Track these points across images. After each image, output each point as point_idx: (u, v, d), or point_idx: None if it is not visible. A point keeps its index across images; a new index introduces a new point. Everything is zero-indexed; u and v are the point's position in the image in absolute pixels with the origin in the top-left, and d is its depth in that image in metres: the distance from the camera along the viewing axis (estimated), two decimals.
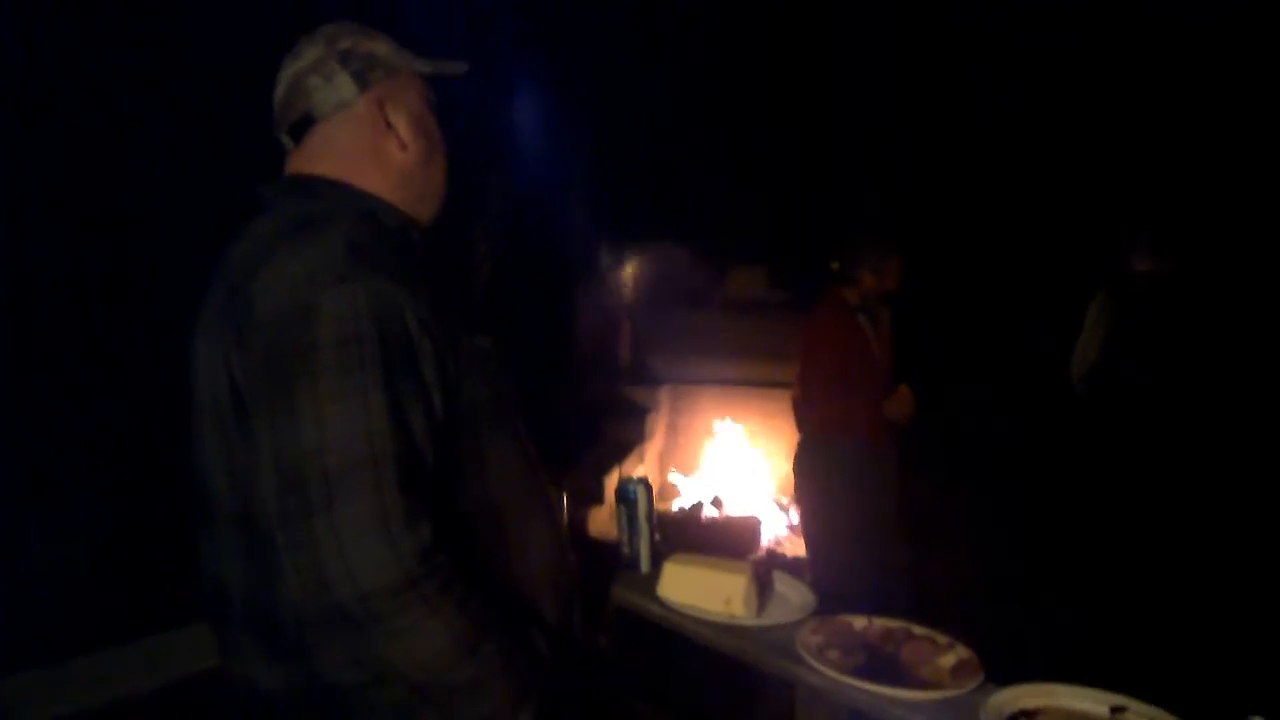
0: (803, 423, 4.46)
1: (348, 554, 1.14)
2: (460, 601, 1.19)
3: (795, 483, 4.51)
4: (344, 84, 1.43)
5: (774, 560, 5.08)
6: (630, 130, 6.19)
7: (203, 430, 1.34)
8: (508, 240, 5.82)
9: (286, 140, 1.47)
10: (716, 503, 5.46)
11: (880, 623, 1.92)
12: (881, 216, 5.15)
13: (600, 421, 5.30)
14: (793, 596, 2.08)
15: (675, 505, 5.65)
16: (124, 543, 2.97)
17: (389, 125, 1.45)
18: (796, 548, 5.19)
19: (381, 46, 1.48)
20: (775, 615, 2.00)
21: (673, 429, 6.13)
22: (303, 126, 1.44)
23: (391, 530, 1.15)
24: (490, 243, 5.80)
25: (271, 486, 1.19)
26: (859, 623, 1.92)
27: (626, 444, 5.42)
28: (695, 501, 5.52)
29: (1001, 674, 1.76)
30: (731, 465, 5.81)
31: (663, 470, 6.01)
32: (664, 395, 6.02)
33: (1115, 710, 1.64)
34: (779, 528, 5.39)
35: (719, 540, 5.23)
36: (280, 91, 1.46)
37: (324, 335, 1.18)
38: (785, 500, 5.58)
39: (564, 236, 5.98)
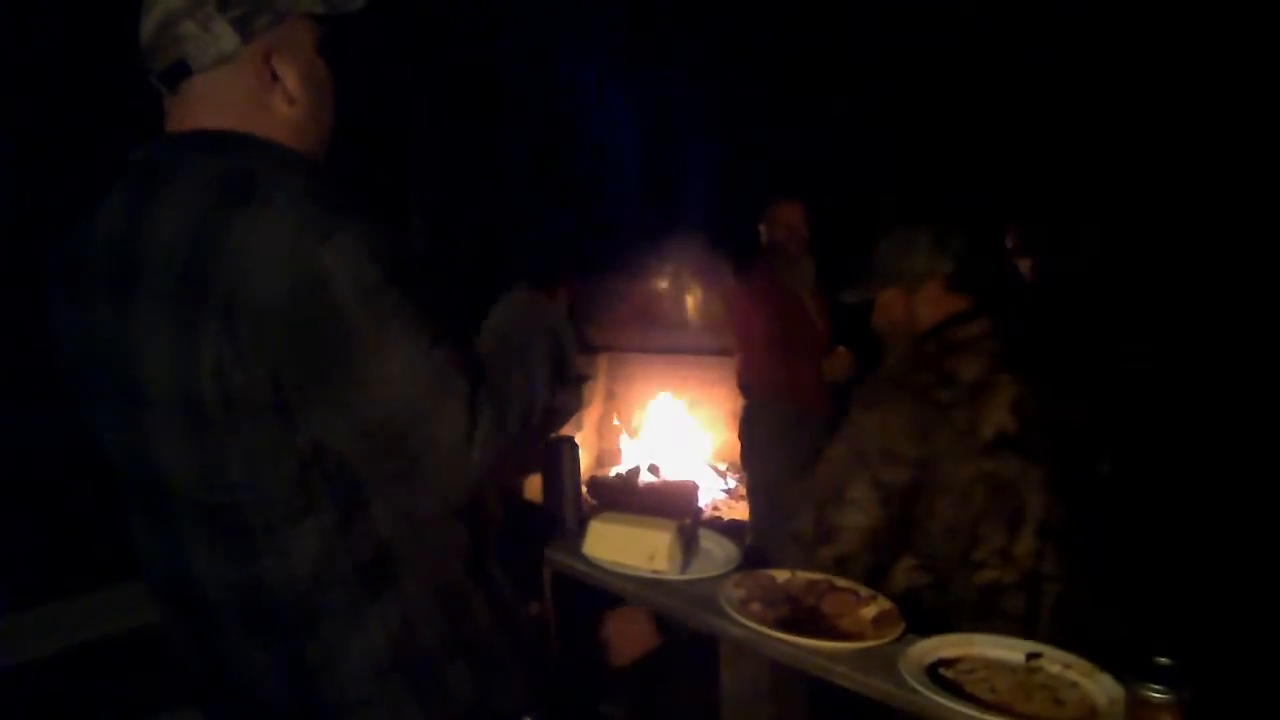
0: (746, 389, 4.47)
1: (463, 474, 1.24)
2: None
3: (741, 448, 4.53)
4: (223, 34, 1.28)
5: (711, 523, 5.10)
6: (568, 95, 6.13)
7: (155, 427, 1.26)
8: (443, 209, 5.76)
9: (159, 85, 1.34)
10: (653, 468, 5.47)
11: (803, 575, 1.92)
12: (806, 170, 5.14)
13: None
14: (717, 552, 2.07)
15: (613, 471, 5.65)
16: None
17: (275, 78, 1.32)
18: (734, 511, 5.23)
19: None
20: (700, 570, 1.99)
21: (611, 396, 6.12)
22: (176, 75, 1.31)
23: (476, 448, 1.23)
24: (425, 213, 5.74)
25: (323, 465, 1.23)
26: (782, 576, 1.92)
27: (567, 412, 5.38)
28: (632, 466, 5.51)
29: (923, 627, 1.77)
30: (669, 432, 5.82)
31: (601, 437, 6.00)
32: (602, 363, 5.99)
33: (1031, 656, 1.66)
34: (716, 492, 5.41)
35: (655, 505, 5.24)
36: (148, 29, 1.30)
37: (344, 298, 1.16)
38: (723, 466, 5.60)
39: (501, 204, 5.92)
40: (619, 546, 2.03)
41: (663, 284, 6.00)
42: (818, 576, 1.91)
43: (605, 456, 5.89)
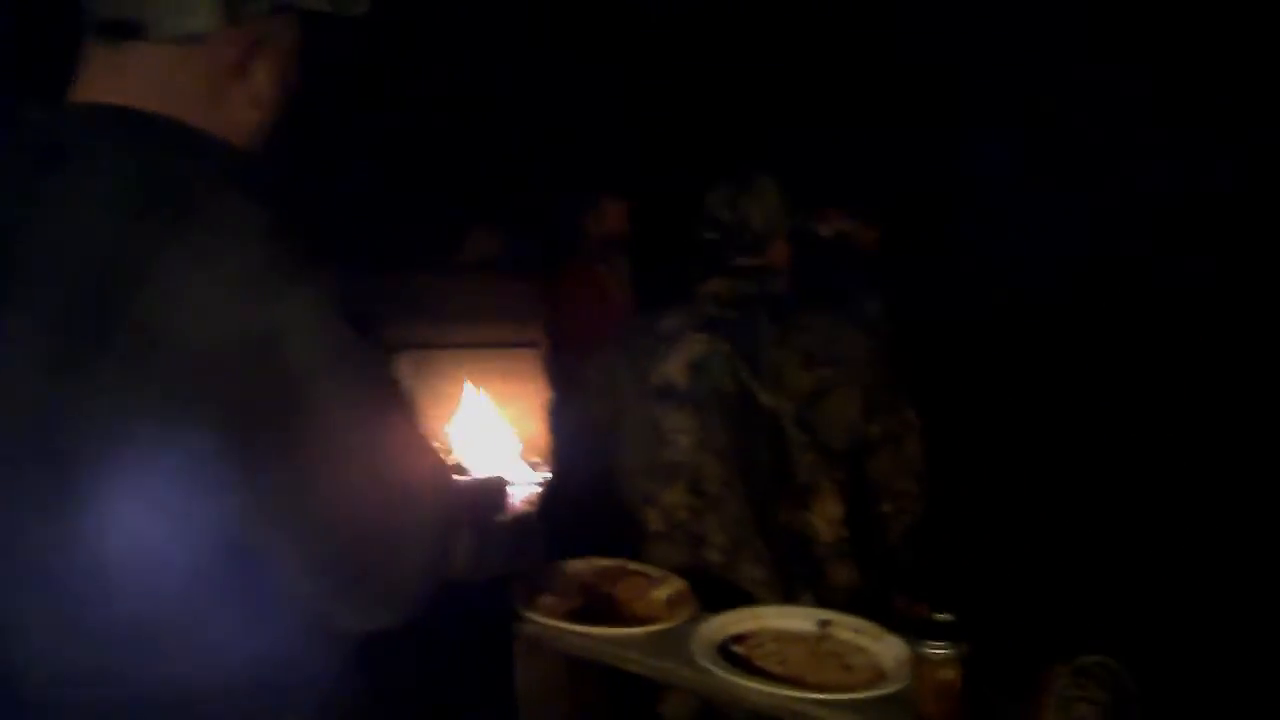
0: (555, 383, 4.40)
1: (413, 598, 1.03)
2: None
3: (550, 443, 4.45)
4: (204, 8, 1.02)
5: (522, 520, 5.01)
6: (362, 87, 5.90)
7: None
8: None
9: (92, 32, 1.04)
10: (460, 467, 5.33)
11: (597, 562, 1.87)
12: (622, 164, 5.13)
13: None
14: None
15: None
16: None
17: (244, 74, 1.07)
18: None
19: None
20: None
21: (415, 395, 5.92)
22: (121, 33, 1.02)
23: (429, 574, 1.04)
24: None
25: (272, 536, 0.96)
26: (576, 565, 1.87)
27: None
28: None
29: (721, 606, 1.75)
30: (477, 429, 5.68)
31: None
32: (401, 361, 5.79)
33: (822, 624, 1.66)
34: (529, 488, 5.31)
35: (465, 504, 5.10)
36: None
37: (305, 364, 0.93)
38: (536, 460, 5.51)
39: (285, 194, 5.65)
40: None
41: (465, 277, 5.85)
42: (611, 563, 1.87)
43: None
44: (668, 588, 1.76)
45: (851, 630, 1.62)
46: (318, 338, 0.95)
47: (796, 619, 1.68)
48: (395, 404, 1.05)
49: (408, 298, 5.89)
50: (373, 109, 5.94)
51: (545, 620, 1.68)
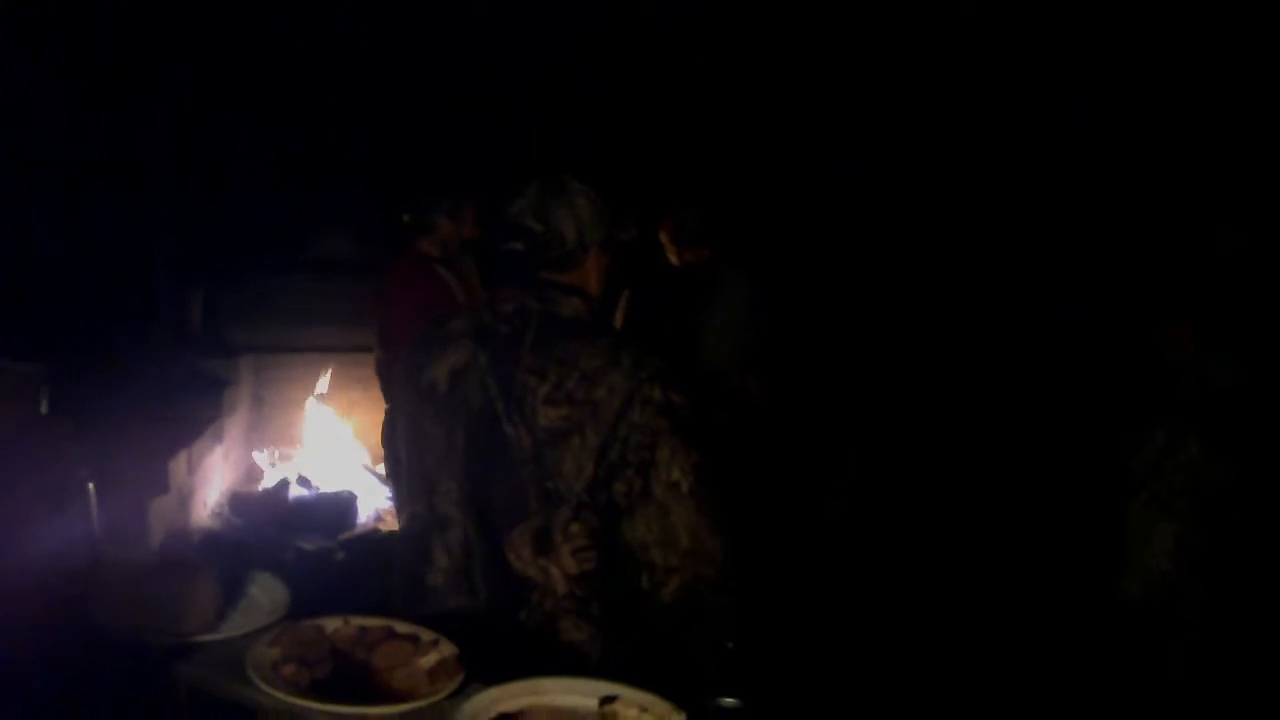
0: (389, 392, 4.12)
1: None
2: None
3: (385, 457, 4.16)
4: None
5: (366, 537, 4.70)
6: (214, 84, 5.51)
7: None
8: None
9: None
10: (303, 480, 4.98)
11: (357, 622, 1.60)
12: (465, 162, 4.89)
13: (159, 400, 4.62)
14: (263, 599, 1.72)
15: (261, 486, 5.11)
16: None
17: None
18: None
19: None
20: (237, 624, 1.64)
21: (259, 402, 5.55)
22: None
23: None
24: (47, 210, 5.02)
25: None
26: (332, 624, 1.60)
27: (197, 423, 4.79)
28: (280, 480, 5.00)
29: (495, 672, 1.51)
30: (327, 438, 5.33)
31: (250, 449, 5.43)
32: (246, 366, 5.41)
33: (605, 700, 1.42)
34: (380, 501, 4.99)
35: (309, 520, 4.76)
36: None
37: None
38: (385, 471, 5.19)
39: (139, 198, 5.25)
40: (135, 603, 1.63)
41: (315, 278, 5.51)
42: (375, 623, 1.60)
43: (256, 470, 5.32)
44: (435, 654, 1.50)
45: (638, 708, 1.40)
46: None
47: (578, 693, 1.44)
48: None
49: (250, 298, 5.53)
50: (221, 105, 5.57)
51: (279, 695, 1.41)
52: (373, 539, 4.69)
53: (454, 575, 1.84)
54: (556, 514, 1.76)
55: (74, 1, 4.92)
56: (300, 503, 4.88)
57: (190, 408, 4.76)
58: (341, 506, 4.88)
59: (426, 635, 1.56)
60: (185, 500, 4.53)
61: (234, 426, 5.25)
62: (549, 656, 1.71)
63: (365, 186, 5.40)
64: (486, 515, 1.81)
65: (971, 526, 4.26)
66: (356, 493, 4.99)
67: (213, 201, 5.44)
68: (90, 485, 1.77)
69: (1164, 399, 2.65)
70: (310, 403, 5.35)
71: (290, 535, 4.59)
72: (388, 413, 4.03)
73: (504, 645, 1.71)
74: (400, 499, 2.04)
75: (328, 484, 5.05)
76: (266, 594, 1.73)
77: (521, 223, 1.89)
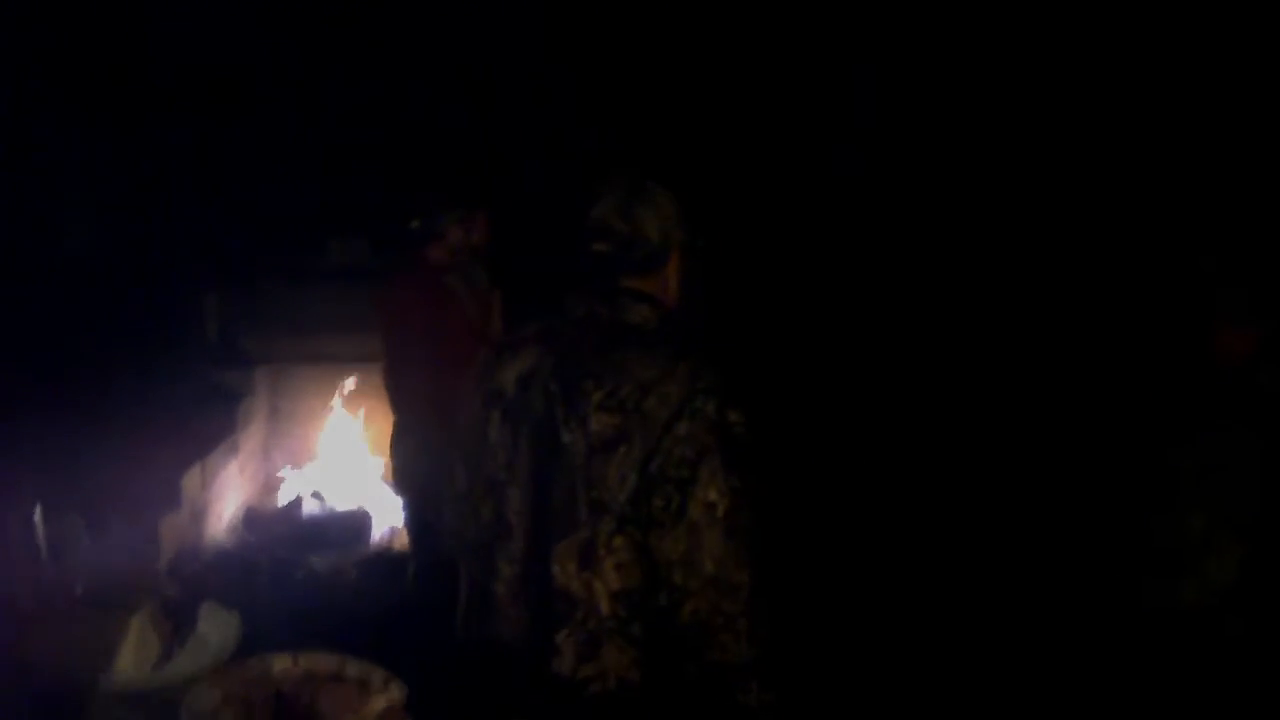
0: (397, 404, 4.01)
1: None
2: None
3: (394, 472, 4.06)
4: None
5: (379, 556, 4.58)
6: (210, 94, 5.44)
7: None
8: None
9: None
10: (318, 496, 4.88)
11: (305, 662, 1.46)
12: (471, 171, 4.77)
13: (174, 413, 4.53)
14: (212, 636, 1.58)
15: (280, 503, 5.02)
16: None
17: None
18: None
19: None
20: (181, 665, 1.50)
21: (276, 415, 5.45)
22: None
23: None
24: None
25: None
26: (281, 664, 1.46)
27: (212, 437, 4.71)
28: (294, 497, 4.90)
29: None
30: (345, 452, 5.23)
31: (268, 463, 5.34)
32: (262, 378, 5.32)
33: None
34: (394, 520, 4.86)
35: (323, 538, 4.65)
36: None
37: None
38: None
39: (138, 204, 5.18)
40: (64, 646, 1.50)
41: (332, 287, 5.40)
42: (324, 664, 1.46)
43: (273, 484, 5.23)
44: (384, 699, 1.36)
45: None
46: None
47: None
48: None
49: (266, 309, 5.43)
50: (236, 113, 5.50)
51: None
52: (386, 558, 4.57)
53: (515, 584, 1.79)
54: (600, 524, 1.67)
55: (86, 7, 4.87)
56: (314, 520, 4.78)
57: (204, 421, 4.67)
58: (356, 525, 4.77)
59: (379, 677, 1.42)
60: (199, 516, 4.44)
61: (250, 440, 5.16)
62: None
63: (381, 194, 5.29)
64: (543, 526, 1.75)
65: (991, 527, 4.11)
66: (371, 511, 4.88)
67: (227, 211, 5.36)
68: (37, 518, 1.66)
69: (1215, 404, 2.51)
70: (332, 414, 5.25)
71: (303, 553, 4.49)
72: (395, 425, 3.95)
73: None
74: (422, 513, 2.01)
75: (343, 500, 4.95)
76: (217, 630, 1.60)
77: (607, 223, 1.85)
